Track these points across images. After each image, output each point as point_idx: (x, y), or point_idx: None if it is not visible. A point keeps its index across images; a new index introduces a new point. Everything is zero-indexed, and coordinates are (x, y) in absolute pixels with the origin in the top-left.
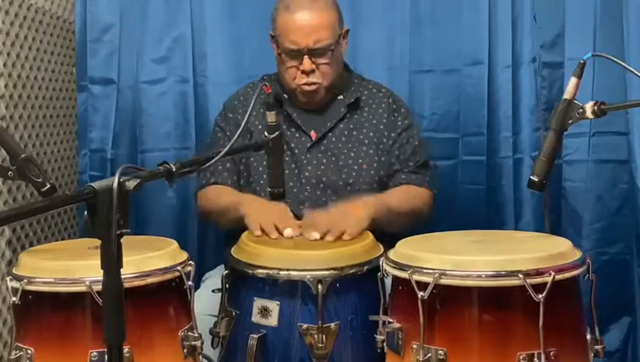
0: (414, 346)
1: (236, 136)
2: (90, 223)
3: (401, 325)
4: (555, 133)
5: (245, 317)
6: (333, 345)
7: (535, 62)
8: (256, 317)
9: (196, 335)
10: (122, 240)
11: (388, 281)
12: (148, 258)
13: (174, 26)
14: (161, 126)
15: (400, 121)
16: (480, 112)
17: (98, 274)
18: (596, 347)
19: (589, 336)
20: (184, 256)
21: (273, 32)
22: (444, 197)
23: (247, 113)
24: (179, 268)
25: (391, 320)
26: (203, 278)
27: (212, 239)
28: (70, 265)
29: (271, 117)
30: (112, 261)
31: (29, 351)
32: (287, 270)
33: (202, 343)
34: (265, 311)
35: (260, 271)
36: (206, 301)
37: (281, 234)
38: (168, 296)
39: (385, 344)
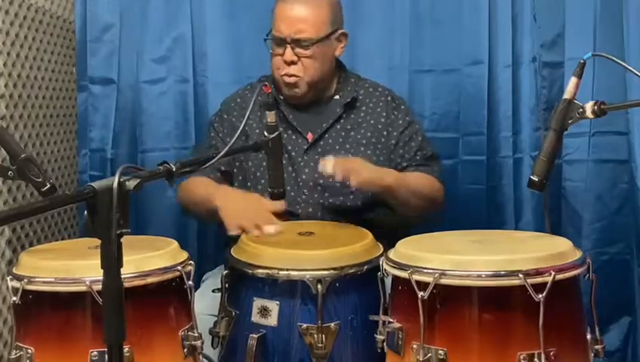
0: (414, 346)
1: (235, 137)
2: (90, 223)
3: (401, 325)
4: (555, 133)
5: (245, 317)
6: (332, 345)
7: (535, 62)
8: (255, 317)
9: (196, 335)
10: (122, 239)
11: (388, 281)
12: (148, 257)
13: (174, 26)
14: (161, 126)
15: (401, 119)
16: (480, 112)
17: (98, 274)
18: (596, 347)
19: (589, 336)
20: (184, 255)
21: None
22: (445, 196)
23: (247, 114)
24: (179, 267)
25: (391, 319)
26: (203, 278)
27: (212, 239)
28: (70, 265)
29: (271, 117)
30: (112, 261)
31: (29, 351)
32: (287, 270)
33: (202, 343)
34: (265, 311)
35: (260, 270)
36: (206, 301)
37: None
38: (168, 296)
39: (385, 344)
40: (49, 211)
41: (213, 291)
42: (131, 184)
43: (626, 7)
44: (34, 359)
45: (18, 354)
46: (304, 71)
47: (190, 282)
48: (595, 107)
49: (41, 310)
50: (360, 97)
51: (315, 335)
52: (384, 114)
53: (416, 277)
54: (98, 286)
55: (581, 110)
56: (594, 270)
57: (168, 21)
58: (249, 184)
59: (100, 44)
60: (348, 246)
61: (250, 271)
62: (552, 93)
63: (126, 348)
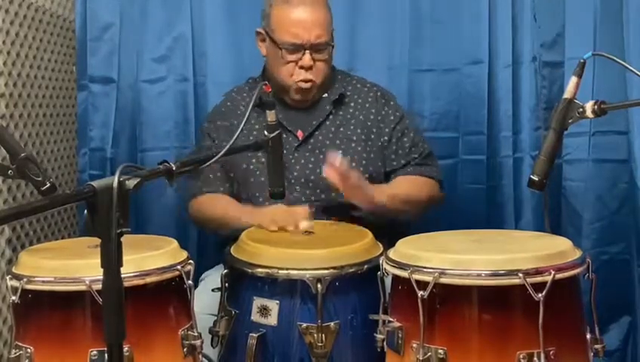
0: (414, 345)
1: (234, 137)
2: (90, 222)
3: (401, 324)
4: (556, 133)
5: (245, 316)
6: (332, 345)
7: (535, 62)
8: (255, 316)
9: (196, 334)
10: (122, 239)
11: (388, 280)
12: (148, 257)
13: (174, 25)
14: (161, 125)
15: (392, 115)
16: (480, 111)
17: (98, 273)
18: (596, 346)
19: (588, 336)
20: (184, 255)
21: (265, 28)
22: (443, 193)
23: (247, 115)
24: (179, 267)
25: (391, 319)
26: (201, 277)
27: (212, 239)
28: (70, 264)
29: (271, 116)
30: (111, 260)
31: (29, 350)
32: (287, 269)
33: (202, 342)
34: (264, 310)
35: (260, 270)
36: (205, 300)
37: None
38: (168, 295)
39: (385, 343)
40: (49, 210)
41: (212, 290)
42: (131, 183)
43: (626, 7)
44: (33, 358)
45: (17, 354)
46: (318, 74)
47: (190, 281)
48: (595, 107)
49: (40, 309)
50: (348, 93)
51: (315, 335)
52: (373, 110)
53: (416, 276)
54: (98, 286)
55: (581, 110)
56: (594, 269)
57: (168, 20)
58: (247, 186)
59: (100, 43)
60: (348, 246)
61: (249, 271)
62: (552, 92)
63: (126, 348)
